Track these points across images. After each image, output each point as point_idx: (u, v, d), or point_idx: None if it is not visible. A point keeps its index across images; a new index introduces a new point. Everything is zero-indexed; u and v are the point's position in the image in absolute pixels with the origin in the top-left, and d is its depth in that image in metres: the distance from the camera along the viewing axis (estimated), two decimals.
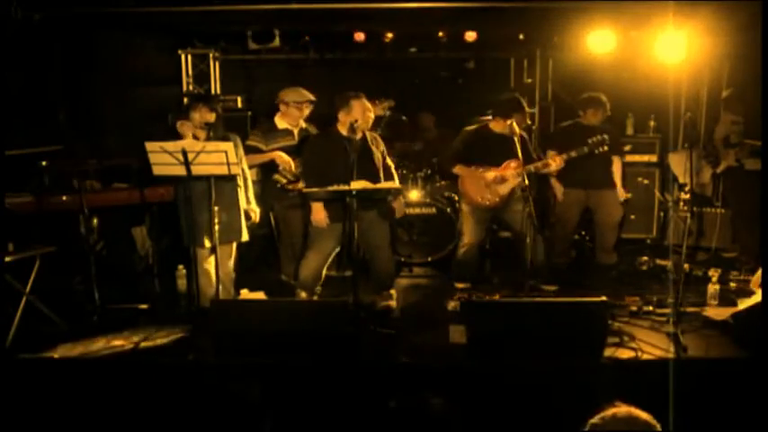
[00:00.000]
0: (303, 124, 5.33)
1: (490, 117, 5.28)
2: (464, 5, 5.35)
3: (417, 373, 3.96)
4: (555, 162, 5.09)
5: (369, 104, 4.75)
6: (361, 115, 4.67)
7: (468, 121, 5.69)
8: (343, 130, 4.68)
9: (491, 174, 5.13)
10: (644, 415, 1.97)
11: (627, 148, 6.94)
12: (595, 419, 1.98)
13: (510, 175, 5.09)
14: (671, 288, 4.96)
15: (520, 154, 4.83)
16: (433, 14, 5.68)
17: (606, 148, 5.14)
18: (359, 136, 4.70)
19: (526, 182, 4.78)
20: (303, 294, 4.85)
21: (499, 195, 5.14)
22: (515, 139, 4.80)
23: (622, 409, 1.98)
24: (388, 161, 4.99)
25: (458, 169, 5.25)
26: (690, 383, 3.62)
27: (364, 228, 4.73)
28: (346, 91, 4.77)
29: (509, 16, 5.93)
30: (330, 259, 4.87)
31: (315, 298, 4.84)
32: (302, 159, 4.97)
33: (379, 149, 4.89)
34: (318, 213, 4.69)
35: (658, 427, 1.97)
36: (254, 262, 5.77)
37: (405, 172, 6.24)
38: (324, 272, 4.88)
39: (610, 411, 1.98)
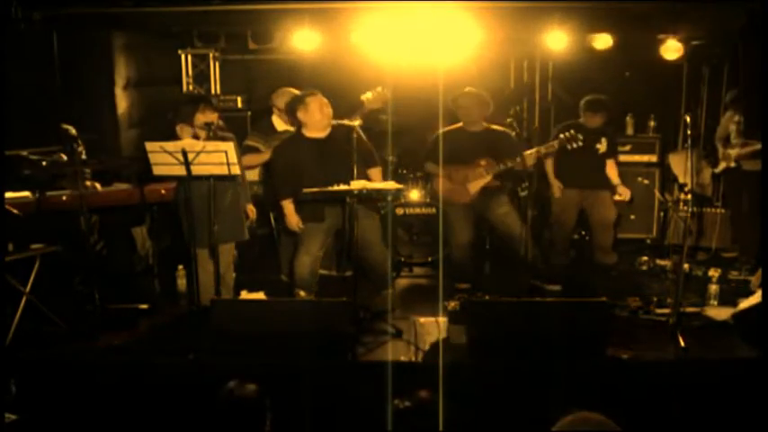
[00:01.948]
0: None
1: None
2: (465, 5, 5.35)
3: (417, 373, 3.96)
4: (529, 158, 5.08)
5: (325, 100, 4.67)
6: (319, 112, 4.62)
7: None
8: (308, 132, 4.67)
9: (460, 172, 5.17)
10: (595, 415, 1.98)
11: (626, 148, 6.95)
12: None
13: (479, 173, 5.12)
14: (671, 288, 4.97)
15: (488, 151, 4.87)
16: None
17: (579, 144, 5.17)
18: (325, 134, 4.68)
19: (497, 182, 4.81)
20: (302, 293, 4.84)
21: (469, 194, 5.18)
22: (486, 136, 4.83)
23: (573, 416, 1.98)
24: (368, 146, 4.88)
25: (428, 167, 5.33)
26: (690, 383, 3.62)
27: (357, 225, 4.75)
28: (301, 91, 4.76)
29: (509, 16, 5.92)
30: (322, 254, 4.84)
31: (312, 296, 4.82)
32: (273, 168, 4.90)
33: (350, 139, 4.72)
34: (292, 217, 4.70)
35: (613, 425, 1.95)
36: (254, 262, 5.76)
37: (404, 172, 6.24)
38: (318, 269, 4.86)
39: (562, 421, 1.99)
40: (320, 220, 4.69)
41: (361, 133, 4.82)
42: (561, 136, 5.17)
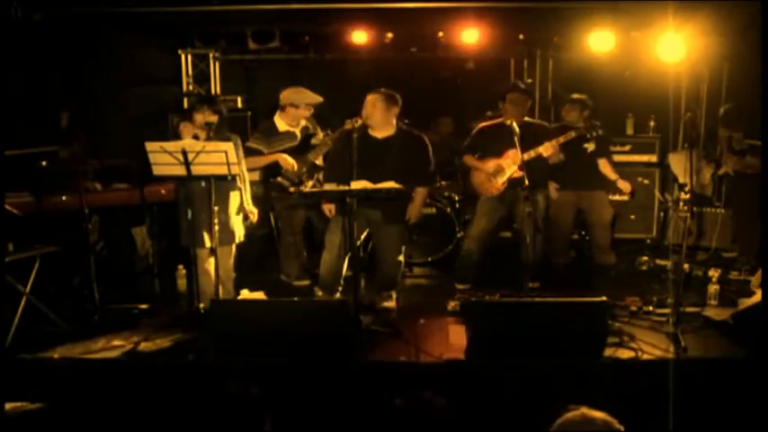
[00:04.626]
0: (303, 122, 5.33)
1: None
2: (464, 5, 5.36)
3: (417, 373, 3.96)
4: (546, 149, 5.07)
5: (380, 100, 4.65)
6: (370, 107, 4.64)
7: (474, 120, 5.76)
8: (369, 129, 4.69)
9: (490, 164, 5.20)
10: (599, 414, 1.91)
11: (627, 148, 6.95)
12: (553, 428, 1.94)
13: (506, 164, 5.14)
14: (671, 288, 4.96)
15: (518, 143, 4.87)
16: (433, 14, 5.69)
17: (599, 132, 5.20)
18: (378, 134, 4.69)
19: (521, 172, 4.83)
20: (319, 293, 4.85)
21: (497, 186, 5.20)
22: (516, 128, 4.85)
23: (576, 412, 1.92)
24: (425, 164, 4.85)
25: (466, 159, 5.39)
26: (690, 383, 3.62)
27: (372, 228, 4.77)
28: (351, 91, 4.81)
29: (509, 16, 5.93)
30: (342, 253, 4.82)
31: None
32: (330, 154, 5.01)
33: (407, 149, 4.75)
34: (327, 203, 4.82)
35: (616, 423, 1.90)
36: (254, 262, 5.77)
37: None
38: (341, 271, 4.83)
39: (564, 417, 1.93)
40: (343, 213, 4.67)
41: (428, 147, 4.83)
42: (581, 125, 5.18)
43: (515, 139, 4.79)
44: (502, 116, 5.35)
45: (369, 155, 4.55)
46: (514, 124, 4.81)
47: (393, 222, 4.79)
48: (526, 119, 5.26)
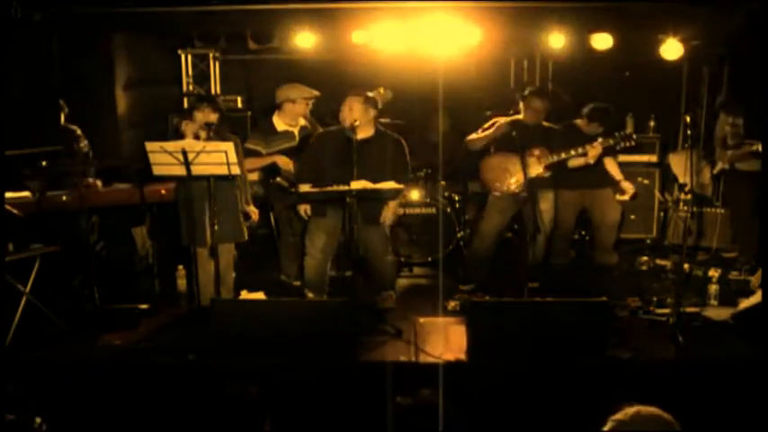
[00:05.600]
0: (302, 122, 5.33)
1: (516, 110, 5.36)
2: (465, 5, 5.35)
3: (417, 373, 3.96)
4: (594, 147, 5.03)
5: (351, 101, 4.64)
6: (346, 110, 4.62)
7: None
8: (348, 130, 4.67)
9: (511, 161, 5.13)
10: (666, 415, 1.97)
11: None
12: (618, 416, 1.97)
13: (531, 162, 5.07)
14: (671, 288, 4.97)
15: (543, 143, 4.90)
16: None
17: (632, 143, 5.17)
18: (358, 135, 4.63)
19: (547, 172, 4.84)
20: (310, 295, 4.85)
21: (518, 184, 5.13)
22: (542, 130, 4.84)
23: (646, 408, 1.97)
24: (405, 163, 4.84)
25: (470, 139, 5.27)
26: (690, 383, 3.62)
27: (359, 230, 4.74)
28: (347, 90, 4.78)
29: (509, 16, 5.92)
30: (330, 256, 4.85)
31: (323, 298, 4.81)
32: (303, 152, 4.97)
33: (386, 150, 4.74)
34: (301, 204, 4.81)
35: (678, 426, 1.96)
36: (254, 262, 5.77)
37: None
38: (326, 271, 4.84)
39: (633, 409, 1.97)
40: (322, 214, 4.70)
41: (406, 148, 4.82)
42: (616, 134, 5.13)
43: (539, 139, 4.81)
44: (506, 115, 5.32)
45: (345, 155, 4.54)
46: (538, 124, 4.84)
47: (372, 222, 4.78)
48: (544, 123, 5.27)
